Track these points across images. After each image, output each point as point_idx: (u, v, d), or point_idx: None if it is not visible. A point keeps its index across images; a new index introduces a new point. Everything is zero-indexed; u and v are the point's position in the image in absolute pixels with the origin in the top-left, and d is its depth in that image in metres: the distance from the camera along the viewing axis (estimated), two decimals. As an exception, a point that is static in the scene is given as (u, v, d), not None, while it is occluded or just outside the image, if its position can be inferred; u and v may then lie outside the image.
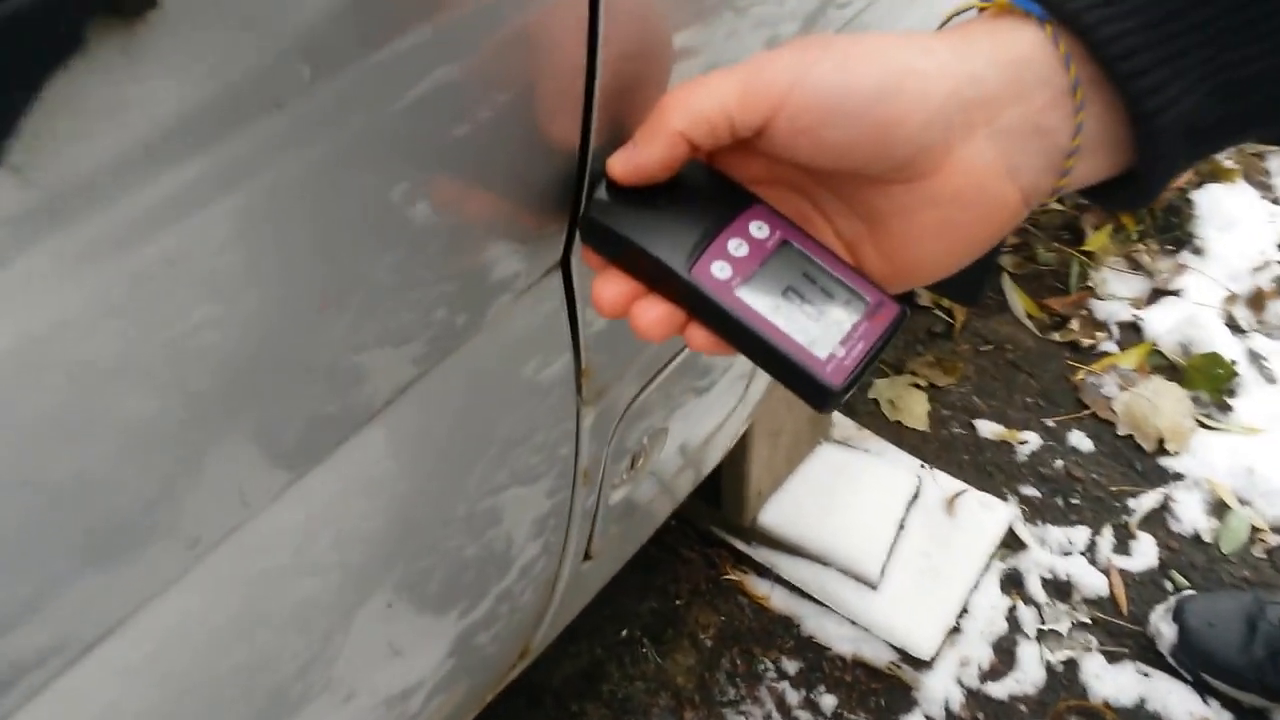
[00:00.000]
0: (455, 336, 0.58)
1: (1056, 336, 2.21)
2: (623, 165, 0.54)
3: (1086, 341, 2.20)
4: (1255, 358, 2.15)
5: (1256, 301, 2.26)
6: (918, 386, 2.09)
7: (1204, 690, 1.65)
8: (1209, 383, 2.10)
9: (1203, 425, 2.05)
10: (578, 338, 0.71)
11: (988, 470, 1.97)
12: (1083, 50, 0.48)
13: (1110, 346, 2.20)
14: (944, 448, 2.01)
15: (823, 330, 0.54)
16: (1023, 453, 2.00)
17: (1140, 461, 2.00)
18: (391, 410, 0.56)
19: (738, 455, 1.62)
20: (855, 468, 1.82)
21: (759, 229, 0.55)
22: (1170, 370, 2.15)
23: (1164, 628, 1.69)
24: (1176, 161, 0.50)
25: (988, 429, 2.03)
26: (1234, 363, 2.09)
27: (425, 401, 0.58)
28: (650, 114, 0.53)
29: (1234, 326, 2.22)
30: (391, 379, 0.55)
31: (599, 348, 0.74)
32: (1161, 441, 2.01)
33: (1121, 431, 2.04)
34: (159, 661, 0.50)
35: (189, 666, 0.53)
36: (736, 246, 0.55)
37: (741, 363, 0.97)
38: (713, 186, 0.56)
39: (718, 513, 1.74)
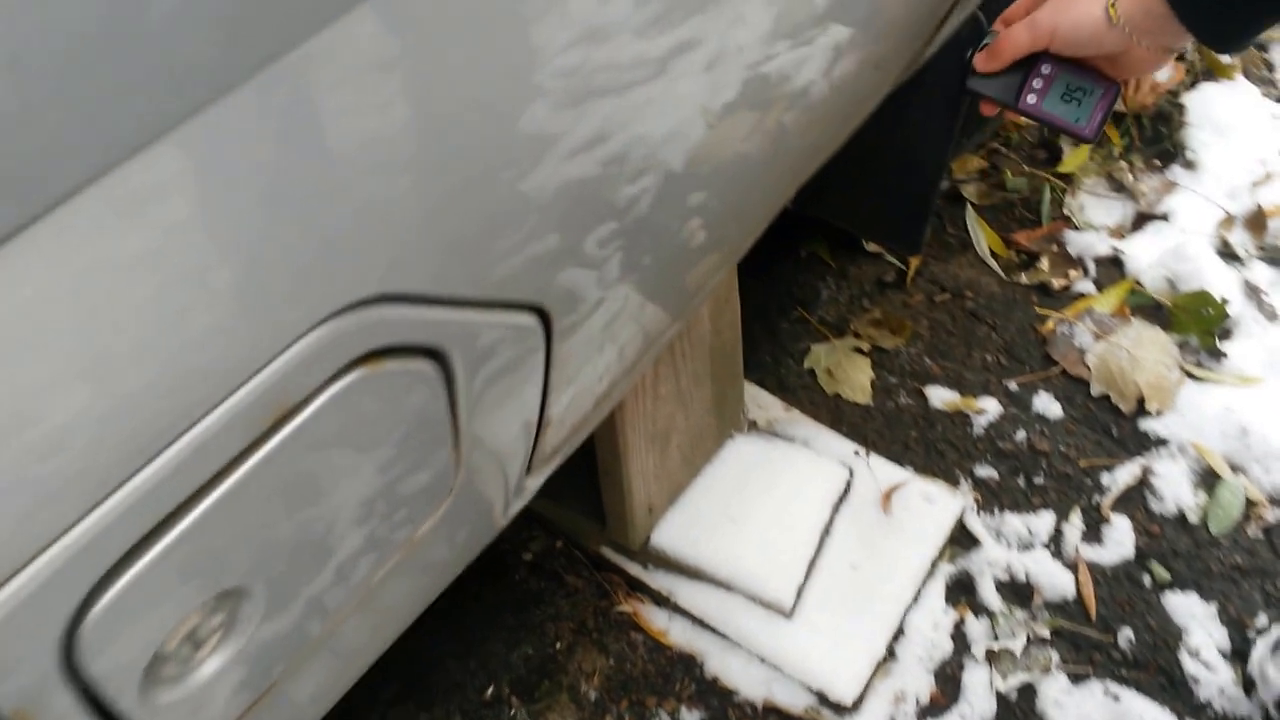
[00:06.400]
0: None
1: (1024, 278, 1.92)
2: (981, 66, 1.11)
3: (1059, 283, 1.91)
4: (1253, 292, 1.85)
5: (1256, 222, 1.95)
6: (861, 351, 1.82)
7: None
8: (1198, 325, 1.81)
9: (1191, 377, 1.76)
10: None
11: (938, 448, 1.71)
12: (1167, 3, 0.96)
13: (1086, 286, 1.91)
14: (889, 423, 1.74)
15: (1081, 111, 1.09)
16: (979, 424, 1.73)
17: (1116, 426, 1.72)
18: None
19: (613, 469, 1.37)
20: (773, 465, 1.56)
21: (1046, 69, 1.08)
22: (1154, 311, 1.86)
23: (1271, 672, 1.40)
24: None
25: (940, 397, 1.76)
26: (1225, 302, 1.79)
27: None
28: (994, 45, 1.09)
29: (1229, 255, 1.92)
30: None
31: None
32: (1141, 401, 1.73)
33: (1095, 391, 1.76)
34: None
35: None
36: (1036, 84, 1.09)
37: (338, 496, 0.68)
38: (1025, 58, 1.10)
39: (608, 532, 1.49)
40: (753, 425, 1.65)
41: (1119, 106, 2.10)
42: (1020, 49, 1.07)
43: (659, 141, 0.77)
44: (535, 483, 0.96)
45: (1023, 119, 2.01)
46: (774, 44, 0.85)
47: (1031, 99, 1.10)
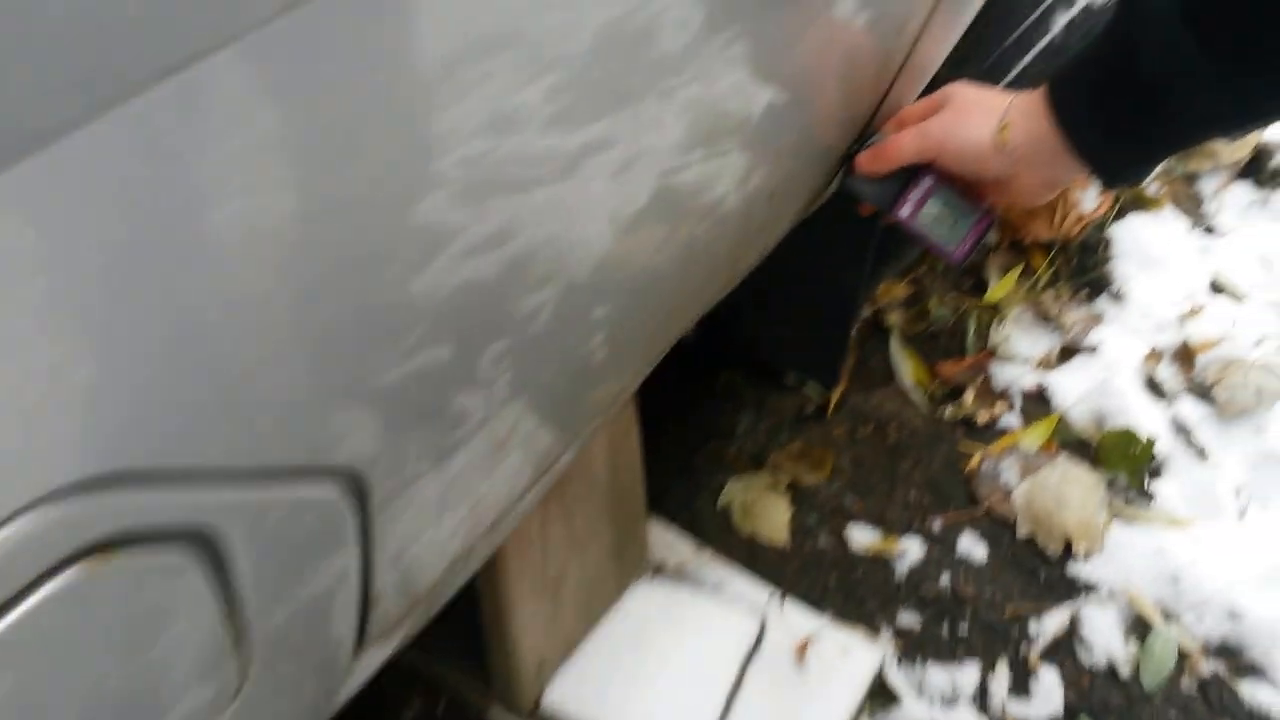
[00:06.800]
0: None
1: (949, 411, 1.85)
2: (863, 166, 1.07)
3: (984, 416, 1.84)
4: (1181, 429, 1.79)
5: (1184, 357, 1.90)
6: (779, 487, 1.73)
7: None
8: (1125, 463, 1.74)
9: (1119, 517, 1.68)
10: None
11: (858, 593, 1.61)
12: (1059, 133, 0.95)
13: (1012, 421, 1.84)
14: (807, 565, 1.64)
15: (954, 234, 1.08)
16: (902, 567, 1.64)
17: (1044, 570, 1.64)
18: None
19: (498, 622, 1.26)
20: (678, 614, 1.46)
21: (927, 182, 1.06)
22: (1082, 448, 1.79)
23: None
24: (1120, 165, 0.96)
25: (861, 538, 1.67)
26: (1150, 442, 1.72)
27: None
28: (880, 148, 1.05)
29: (1156, 390, 1.86)
30: None
31: None
32: (1069, 543, 1.65)
33: (1022, 532, 1.68)
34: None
35: None
36: (915, 195, 1.06)
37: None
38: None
39: (495, 691, 1.38)
40: (660, 568, 1.55)
41: (1047, 236, 2.06)
42: (905, 157, 1.04)
43: (564, 247, 0.69)
44: (379, 655, 0.86)
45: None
46: (686, 153, 0.78)
47: (906, 210, 1.07)
